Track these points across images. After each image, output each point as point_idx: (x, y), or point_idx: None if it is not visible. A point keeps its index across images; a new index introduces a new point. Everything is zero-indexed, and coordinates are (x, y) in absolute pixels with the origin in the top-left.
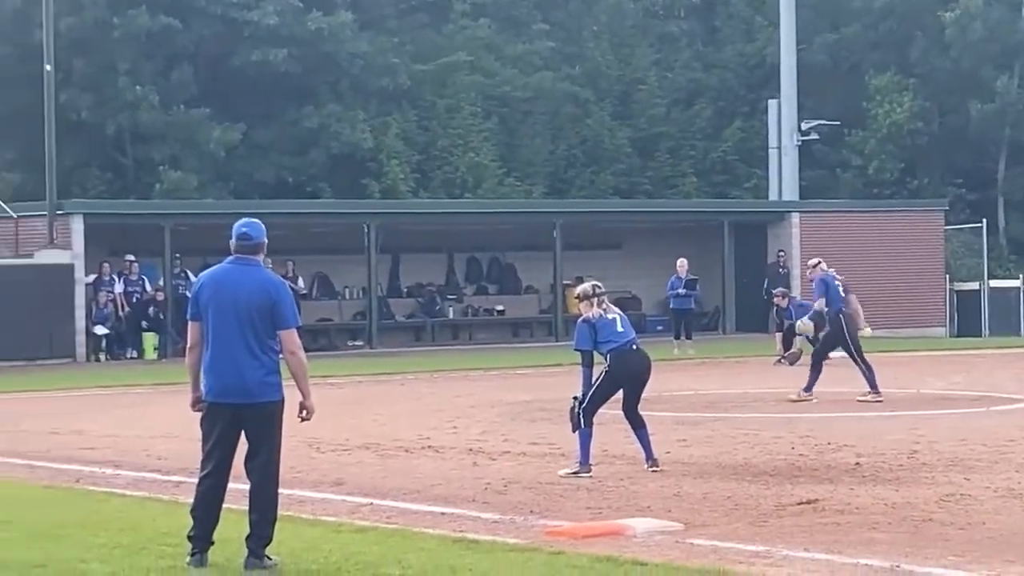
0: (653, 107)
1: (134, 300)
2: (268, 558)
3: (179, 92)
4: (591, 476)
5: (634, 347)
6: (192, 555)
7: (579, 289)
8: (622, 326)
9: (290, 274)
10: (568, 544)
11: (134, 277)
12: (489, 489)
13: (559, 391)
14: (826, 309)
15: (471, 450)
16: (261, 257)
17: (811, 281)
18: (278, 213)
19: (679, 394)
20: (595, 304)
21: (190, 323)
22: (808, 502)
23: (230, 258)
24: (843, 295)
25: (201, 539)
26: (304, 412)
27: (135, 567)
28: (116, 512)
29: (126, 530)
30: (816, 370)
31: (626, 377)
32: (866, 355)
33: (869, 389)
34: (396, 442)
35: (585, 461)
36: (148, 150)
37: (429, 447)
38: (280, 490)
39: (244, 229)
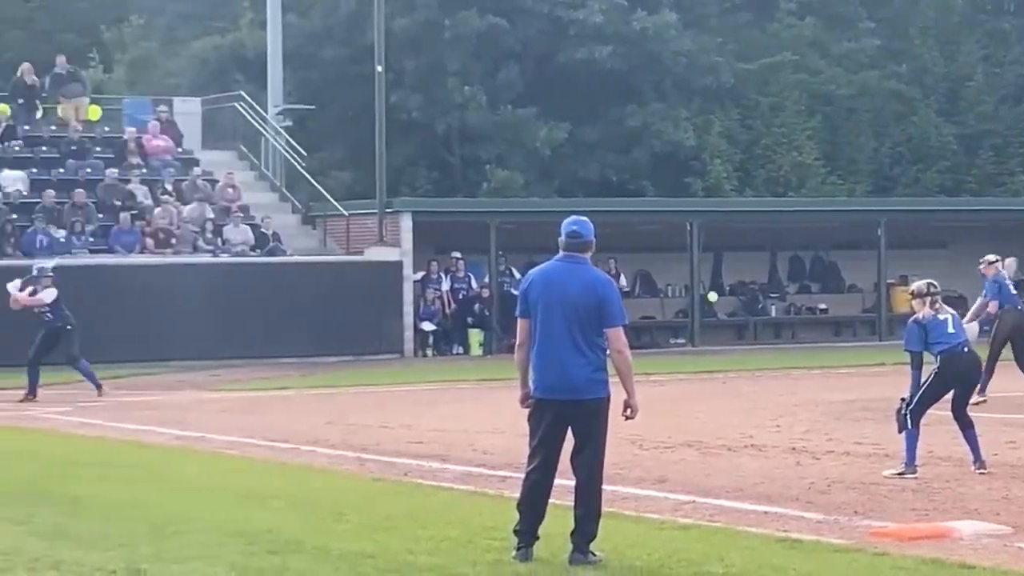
0: (980, 104)
1: (460, 297)
2: (592, 554)
3: (506, 91)
4: (916, 477)
5: (965, 349)
6: (518, 549)
7: (915, 286)
8: (953, 327)
9: (612, 272)
10: (893, 546)
11: (460, 274)
12: (812, 489)
13: (883, 391)
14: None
15: (794, 449)
16: (589, 256)
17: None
18: (602, 211)
19: (1007, 395)
20: (927, 303)
21: (519, 320)
22: None
23: (559, 255)
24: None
25: (527, 534)
26: (629, 411)
27: (462, 560)
28: (443, 506)
29: (453, 523)
30: None
31: (955, 379)
32: None
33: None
34: (719, 440)
35: (911, 462)
36: (475, 149)
37: (752, 445)
38: (604, 486)
39: (574, 227)
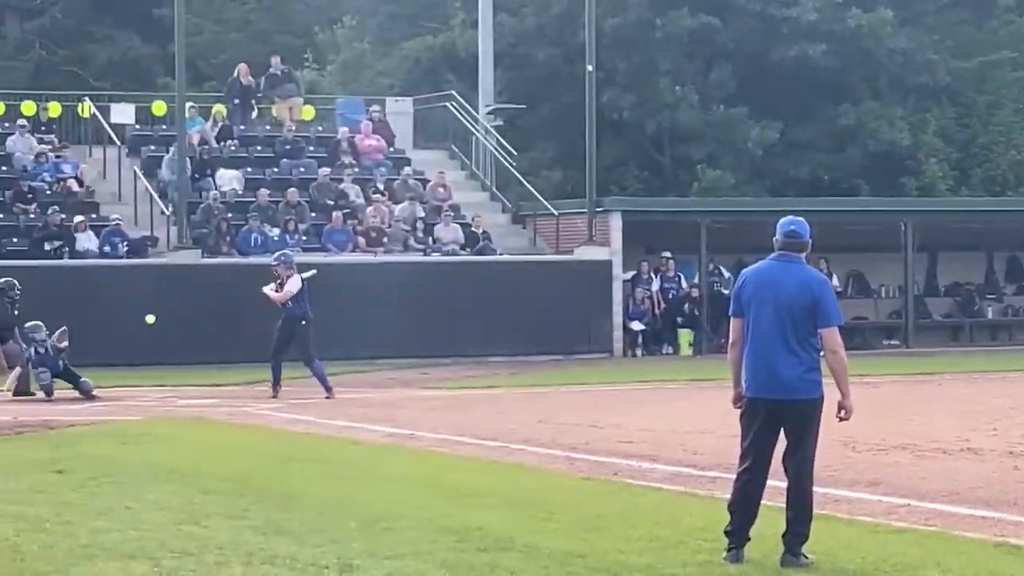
0: None
1: (670, 297)
2: (804, 556)
3: (717, 91)
4: None
5: None
6: (728, 550)
7: None
8: None
9: (824, 271)
10: None
11: (671, 274)
12: None
13: None
14: None
15: (1011, 453)
16: (804, 256)
17: None
18: (814, 211)
19: None
20: None
21: (732, 319)
22: None
23: (773, 255)
24: None
25: (737, 535)
26: (843, 412)
27: (672, 561)
28: (653, 506)
29: (663, 524)
30: None
31: None
32: None
33: None
34: (933, 443)
35: None
36: (686, 149)
37: (968, 449)
38: (815, 488)
39: (792, 227)
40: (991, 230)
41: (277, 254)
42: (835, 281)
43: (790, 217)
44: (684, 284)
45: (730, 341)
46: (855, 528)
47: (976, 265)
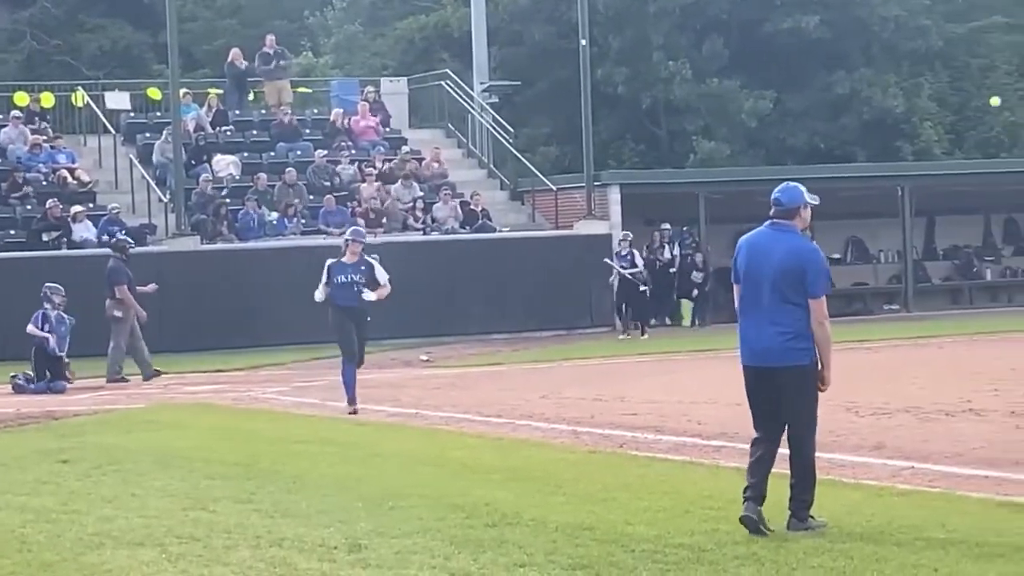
0: None
1: (671, 269)
2: (812, 518)
3: (711, 63)
4: None
5: None
6: (744, 501)
7: None
8: None
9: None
10: None
11: (687, 240)
12: None
13: None
14: None
15: (1014, 412)
16: (798, 222)
17: None
18: (810, 178)
19: None
20: None
21: (735, 286)
22: None
23: (767, 222)
24: None
25: (753, 493)
26: (821, 383)
27: (679, 530)
28: (659, 476)
29: (669, 494)
30: None
31: None
32: None
33: None
34: (936, 405)
35: None
36: (681, 121)
37: (970, 410)
38: (819, 454)
39: (777, 195)
40: (987, 192)
41: (351, 229)
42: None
43: (784, 184)
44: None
45: (737, 307)
46: (860, 492)
47: (974, 228)
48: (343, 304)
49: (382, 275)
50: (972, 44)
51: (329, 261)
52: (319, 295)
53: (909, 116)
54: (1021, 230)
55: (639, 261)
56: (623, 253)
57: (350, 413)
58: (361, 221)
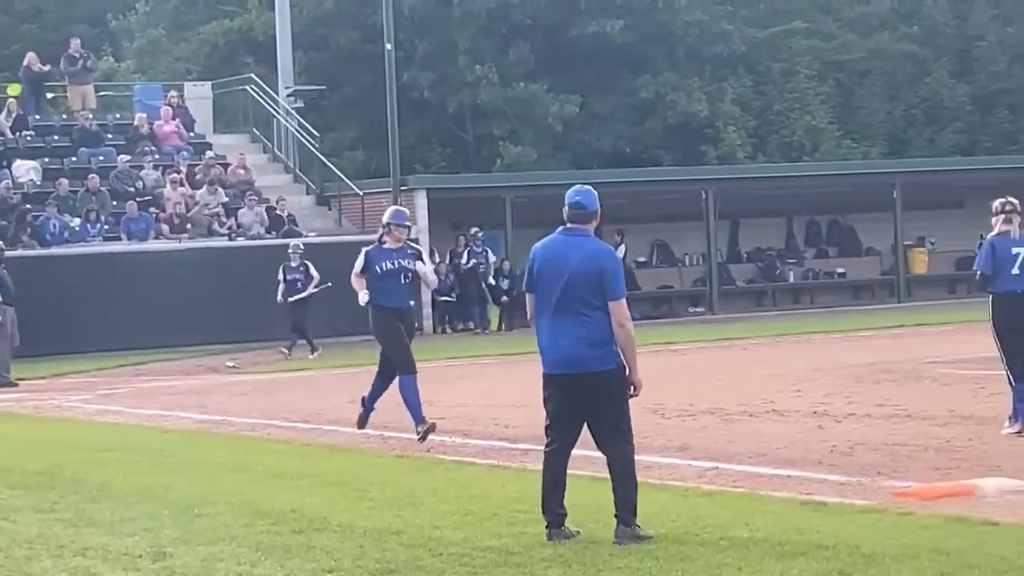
0: (993, 63)
1: (480, 271)
2: (639, 527)
3: (517, 67)
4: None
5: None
6: (547, 527)
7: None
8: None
9: (617, 243)
10: (917, 505)
11: (478, 249)
12: (835, 451)
13: (902, 353)
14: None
15: (815, 413)
16: (593, 227)
17: None
18: (616, 182)
19: None
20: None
21: (527, 295)
22: None
23: (561, 228)
24: None
25: (552, 512)
26: (632, 388)
27: (487, 533)
28: (466, 480)
29: (477, 497)
30: None
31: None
32: None
33: None
34: (740, 406)
35: (1017, 419)
36: (488, 125)
37: (773, 411)
38: None
39: (577, 198)
40: (789, 195)
41: (394, 212)
42: (621, 251)
43: (576, 187)
44: (492, 258)
45: (529, 316)
46: (666, 493)
47: (776, 230)
48: (392, 305)
49: (421, 265)
50: (773, 49)
51: (366, 248)
52: (362, 297)
53: (713, 120)
54: (823, 232)
55: (314, 273)
56: (294, 265)
57: (424, 434)
58: (165, 227)
